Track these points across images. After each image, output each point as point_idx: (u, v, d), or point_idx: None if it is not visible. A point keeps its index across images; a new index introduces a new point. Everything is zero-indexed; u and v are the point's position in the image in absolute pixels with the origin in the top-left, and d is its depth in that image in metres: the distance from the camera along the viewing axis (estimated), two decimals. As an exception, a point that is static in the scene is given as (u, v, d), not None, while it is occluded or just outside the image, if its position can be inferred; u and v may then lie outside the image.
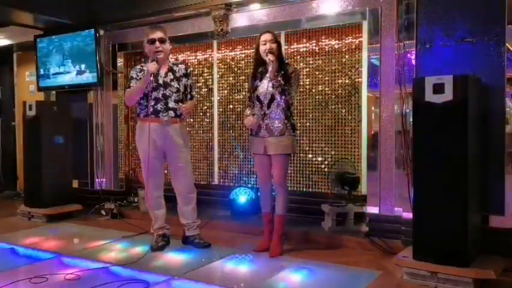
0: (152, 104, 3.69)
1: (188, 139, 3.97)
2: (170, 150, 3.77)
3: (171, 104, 3.71)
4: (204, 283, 3.04)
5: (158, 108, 3.69)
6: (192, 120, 5.45)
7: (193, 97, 3.94)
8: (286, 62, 3.75)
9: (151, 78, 3.60)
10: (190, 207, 3.89)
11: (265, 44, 3.58)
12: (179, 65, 3.89)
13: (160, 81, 3.71)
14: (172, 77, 3.76)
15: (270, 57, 3.50)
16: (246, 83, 4.79)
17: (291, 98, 3.61)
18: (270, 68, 3.49)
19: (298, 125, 4.68)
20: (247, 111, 3.74)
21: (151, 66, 3.59)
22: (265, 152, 3.62)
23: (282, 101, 3.56)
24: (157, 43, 3.69)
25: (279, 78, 3.51)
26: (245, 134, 4.94)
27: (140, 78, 3.71)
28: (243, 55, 5.10)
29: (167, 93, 3.70)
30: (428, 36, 3.49)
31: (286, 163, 3.67)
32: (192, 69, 4.24)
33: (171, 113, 3.71)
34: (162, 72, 3.75)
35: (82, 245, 4.08)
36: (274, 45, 3.57)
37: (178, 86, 3.76)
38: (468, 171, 2.91)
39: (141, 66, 3.86)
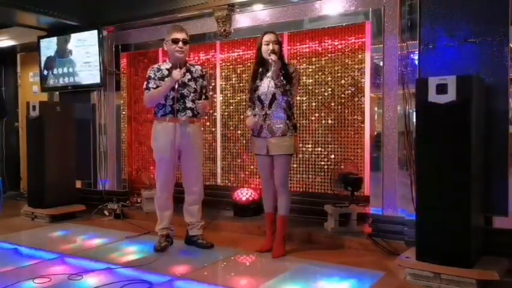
0: (170, 103, 3.71)
1: (202, 139, 3.99)
2: (187, 150, 3.78)
3: (188, 104, 3.74)
4: (206, 283, 3.04)
5: (176, 108, 3.71)
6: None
7: (208, 98, 3.97)
8: (287, 62, 3.75)
9: (176, 86, 3.65)
10: (197, 206, 3.91)
11: (268, 45, 3.57)
12: (196, 66, 3.92)
13: (179, 82, 3.71)
14: (189, 77, 3.79)
15: (272, 57, 3.49)
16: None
17: (293, 98, 3.63)
18: (272, 68, 3.49)
19: (301, 125, 4.68)
20: (248, 112, 3.75)
21: (177, 74, 3.62)
22: (267, 153, 3.63)
23: (284, 101, 3.57)
24: (181, 43, 3.71)
25: (281, 78, 3.52)
26: (247, 134, 4.94)
27: (159, 78, 3.73)
28: (246, 56, 5.09)
29: (185, 93, 3.73)
30: (431, 36, 3.49)
31: (288, 163, 3.68)
32: (206, 70, 4.20)
33: (189, 113, 3.74)
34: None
35: (85, 245, 4.09)
36: (276, 46, 3.57)
37: (195, 87, 3.79)
38: (471, 171, 2.90)
39: (158, 65, 3.86)
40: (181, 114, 3.72)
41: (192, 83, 3.78)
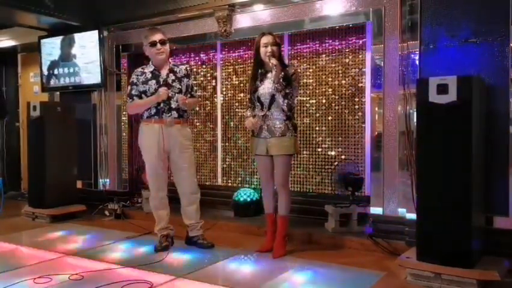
0: (155, 104, 3.70)
1: (191, 139, 3.98)
2: (174, 151, 3.78)
3: (174, 105, 3.72)
4: (207, 284, 3.04)
5: (161, 109, 3.70)
6: (195, 120, 5.46)
7: (195, 96, 3.97)
8: (287, 63, 3.74)
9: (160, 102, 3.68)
10: (194, 207, 3.89)
11: (266, 47, 3.56)
12: (180, 66, 3.92)
13: (162, 83, 3.73)
14: (173, 77, 3.78)
15: (273, 62, 3.49)
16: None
17: (294, 99, 3.63)
18: (273, 72, 3.49)
19: (302, 125, 4.68)
20: (248, 113, 3.75)
21: (164, 93, 3.64)
22: (267, 153, 3.63)
23: (284, 103, 3.56)
24: (159, 45, 3.73)
25: (282, 81, 3.51)
26: (248, 134, 4.94)
27: (142, 82, 3.75)
28: (247, 56, 5.09)
29: (170, 94, 3.71)
30: (431, 36, 3.49)
31: (289, 164, 3.67)
32: (191, 69, 4.20)
33: (174, 114, 3.73)
34: (164, 73, 3.77)
35: (85, 245, 4.09)
36: (275, 48, 3.56)
37: (180, 87, 3.78)
38: (472, 171, 2.90)
39: (142, 68, 3.86)
40: (166, 115, 3.71)
41: (176, 84, 3.77)
